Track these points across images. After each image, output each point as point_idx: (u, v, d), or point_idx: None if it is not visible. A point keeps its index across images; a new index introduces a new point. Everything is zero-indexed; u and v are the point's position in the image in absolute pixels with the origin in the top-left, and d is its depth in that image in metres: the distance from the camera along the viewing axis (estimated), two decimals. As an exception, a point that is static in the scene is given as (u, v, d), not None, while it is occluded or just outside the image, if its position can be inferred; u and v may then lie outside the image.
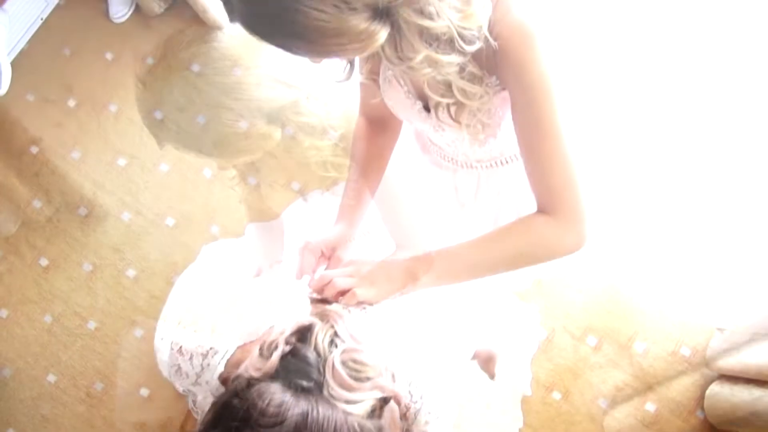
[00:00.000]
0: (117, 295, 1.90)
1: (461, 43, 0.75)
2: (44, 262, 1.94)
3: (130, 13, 2.10)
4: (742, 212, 1.77)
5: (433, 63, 0.76)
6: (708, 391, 1.60)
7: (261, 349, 0.67)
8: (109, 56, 2.09)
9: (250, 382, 0.64)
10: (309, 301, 0.88)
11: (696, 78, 1.84)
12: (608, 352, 1.73)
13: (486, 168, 1.09)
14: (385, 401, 0.67)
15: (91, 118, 2.04)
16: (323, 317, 0.71)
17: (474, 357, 1.11)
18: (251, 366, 0.66)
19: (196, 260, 1.10)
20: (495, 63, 0.80)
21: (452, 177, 1.16)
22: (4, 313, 1.92)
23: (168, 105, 2.02)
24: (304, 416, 0.60)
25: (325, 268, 0.97)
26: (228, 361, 0.77)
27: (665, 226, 1.78)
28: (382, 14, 0.70)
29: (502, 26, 0.76)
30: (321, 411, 0.61)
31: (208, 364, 0.77)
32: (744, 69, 1.83)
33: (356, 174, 1.07)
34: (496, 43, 0.76)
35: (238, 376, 0.66)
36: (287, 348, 0.66)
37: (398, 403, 0.69)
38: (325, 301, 0.87)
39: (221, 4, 1.96)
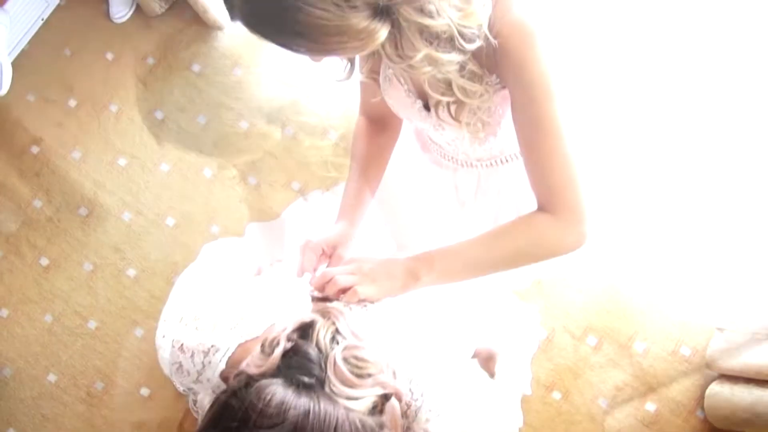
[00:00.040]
0: (117, 295, 1.90)
1: (461, 41, 0.75)
2: (45, 261, 1.94)
3: (130, 13, 2.10)
4: (742, 213, 1.77)
5: (433, 61, 0.77)
6: (708, 391, 1.60)
7: (262, 346, 0.67)
8: (109, 56, 2.09)
9: (252, 379, 0.64)
10: (310, 299, 0.88)
11: (696, 77, 1.84)
12: (608, 351, 1.73)
13: (486, 167, 1.09)
14: (386, 398, 0.67)
15: (92, 118, 2.04)
16: (324, 314, 0.72)
17: (474, 355, 1.11)
18: (253, 363, 0.66)
19: (196, 259, 1.10)
20: (495, 61, 0.80)
21: (452, 176, 1.16)
22: (5, 312, 1.92)
23: (168, 105, 2.02)
24: (306, 412, 0.60)
25: (327, 266, 0.97)
26: (229, 358, 0.77)
27: (665, 226, 1.78)
28: (383, 12, 0.71)
29: (502, 24, 0.76)
30: (323, 407, 0.61)
31: (210, 362, 0.77)
32: (744, 69, 1.83)
33: (356, 173, 1.07)
34: (496, 42, 0.77)
35: (239, 373, 0.66)
36: (289, 345, 0.66)
37: (399, 399, 0.69)
38: (326, 299, 0.87)
39: (222, 4, 1.95)
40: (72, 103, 2.06)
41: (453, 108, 0.87)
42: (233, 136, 2.00)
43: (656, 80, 1.83)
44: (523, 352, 1.62)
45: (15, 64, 2.06)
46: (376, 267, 0.89)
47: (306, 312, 0.74)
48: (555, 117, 0.81)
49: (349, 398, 0.63)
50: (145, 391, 1.83)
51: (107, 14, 2.10)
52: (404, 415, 0.74)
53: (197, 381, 0.80)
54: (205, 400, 0.97)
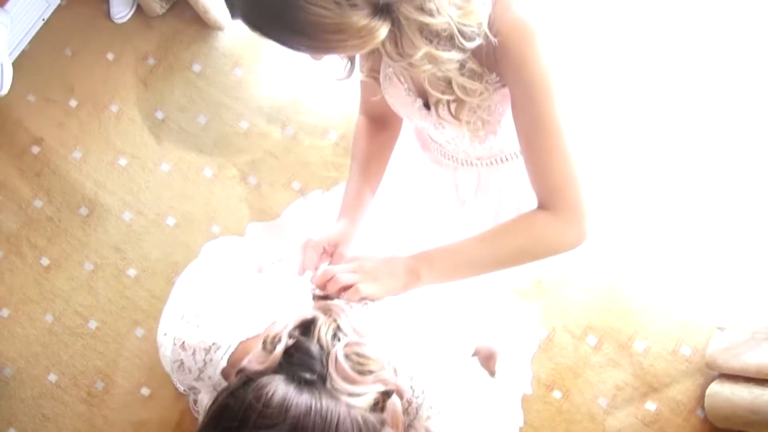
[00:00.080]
0: (118, 295, 1.90)
1: (461, 39, 0.75)
2: (45, 261, 1.94)
3: (131, 13, 2.10)
4: (742, 212, 1.77)
5: (433, 60, 0.77)
6: (708, 390, 1.60)
7: (264, 343, 0.67)
8: (110, 56, 2.09)
9: (254, 375, 0.64)
10: (311, 297, 0.88)
11: (697, 75, 1.84)
12: (608, 351, 1.73)
13: (486, 165, 1.09)
14: (387, 395, 0.67)
15: (93, 118, 2.04)
16: (326, 311, 0.72)
17: (475, 354, 1.11)
18: (254, 360, 0.66)
19: (197, 258, 1.10)
20: (495, 60, 0.81)
21: (452, 175, 1.16)
22: (6, 312, 1.92)
23: (169, 105, 2.03)
24: (308, 409, 0.60)
25: (328, 265, 0.97)
26: (230, 356, 0.77)
27: (666, 226, 1.78)
28: (383, 11, 0.71)
29: (502, 23, 0.76)
30: (324, 403, 0.61)
31: (211, 359, 0.78)
32: (744, 67, 1.83)
33: (357, 172, 1.08)
34: (495, 40, 0.77)
35: (241, 370, 0.67)
36: (290, 341, 0.66)
37: (400, 396, 0.69)
38: (327, 297, 0.87)
39: (222, 4, 1.96)
40: (73, 103, 2.06)
41: (453, 106, 0.88)
42: (233, 136, 2.00)
43: (656, 79, 1.84)
44: (523, 352, 1.62)
45: (16, 64, 2.07)
46: (378, 265, 0.89)
47: (307, 309, 0.74)
48: (555, 115, 0.81)
49: (350, 395, 0.64)
50: (145, 391, 1.83)
51: (108, 14, 2.11)
52: (405, 412, 0.74)
53: (199, 379, 0.80)
54: (205, 399, 0.97)
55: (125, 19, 2.10)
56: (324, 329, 0.68)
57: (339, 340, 0.68)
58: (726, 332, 1.59)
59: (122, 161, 2.00)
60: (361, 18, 0.69)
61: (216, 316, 0.80)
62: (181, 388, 1.66)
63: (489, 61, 0.82)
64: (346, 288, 0.86)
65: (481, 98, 0.85)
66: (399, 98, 0.98)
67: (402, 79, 0.95)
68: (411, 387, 0.76)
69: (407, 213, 1.28)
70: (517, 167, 1.07)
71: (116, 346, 1.86)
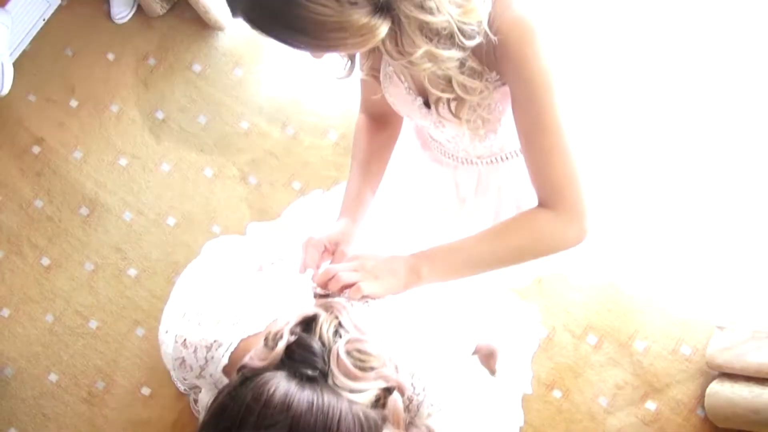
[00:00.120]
0: (118, 295, 1.90)
1: (461, 38, 0.75)
2: (46, 261, 1.95)
3: (131, 13, 2.10)
4: (742, 211, 1.77)
5: (433, 58, 0.77)
6: (708, 390, 1.60)
7: (266, 339, 0.68)
8: (110, 57, 2.10)
9: (255, 372, 0.64)
10: (313, 296, 0.88)
11: (697, 73, 1.84)
12: (609, 350, 1.73)
13: (486, 164, 1.09)
14: (388, 391, 0.67)
15: (93, 118, 2.05)
16: (327, 308, 0.72)
17: (475, 352, 1.11)
18: (256, 356, 0.66)
19: (198, 257, 1.10)
20: (495, 58, 0.81)
21: (452, 173, 1.17)
22: (6, 312, 1.92)
23: (169, 105, 2.03)
24: (310, 405, 0.60)
25: (330, 263, 0.97)
26: (232, 353, 0.77)
27: (666, 225, 1.78)
28: (383, 9, 0.71)
29: (502, 21, 0.77)
30: (326, 399, 0.61)
31: (212, 357, 0.78)
32: (745, 67, 1.84)
33: (358, 170, 1.08)
34: (495, 38, 0.77)
35: (243, 366, 0.67)
36: (292, 338, 0.66)
37: (402, 393, 0.69)
38: (328, 296, 0.87)
39: (222, 4, 1.96)
40: (73, 103, 2.07)
41: (453, 105, 0.88)
42: (234, 136, 2.01)
43: (657, 78, 1.84)
44: (523, 351, 1.62)
45: (16, 65, 2.07)
46: (379, 264, 0.89)
47: (309, 306, 0.74)
48: (555, 113, 0.81)
49: (352, 391, 0.64)
50: (146, 391, 1.83)
51: (108, 15, 2.11)
52: (406, 409, 0.75)
53: (200, 376, 0.80)
54: (206, 398, 0.97)
55: (126, 20, 2.10)
56: (325, 326, 0.68)
57: (340, 336, 0.68)
58: (726, 331, 1.60)
59: (123, 161, 2.00)
60: (361, 16, 0.70)
61: (217, 314, 0.81)
62: (182, 388, 1.66)
63: (489, 60, 0.82)
64: (347, 286, 0.86)
65: (481, 97, 0.85)
66: (399, 97, 0.98)
67: (402, 78, 0.96)
68: (412, 384, 0.77)
69: (408, 212, 1.28)
70: (517, 166, 1.07)
71: (117, 345, 1.87)
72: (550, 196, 0.87)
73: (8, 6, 2.03)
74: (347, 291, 0.86)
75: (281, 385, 0.61)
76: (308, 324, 0.70)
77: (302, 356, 0.65)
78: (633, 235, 1.78)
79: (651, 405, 1.69)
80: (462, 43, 0.76)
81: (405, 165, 1.25)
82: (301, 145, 1.98)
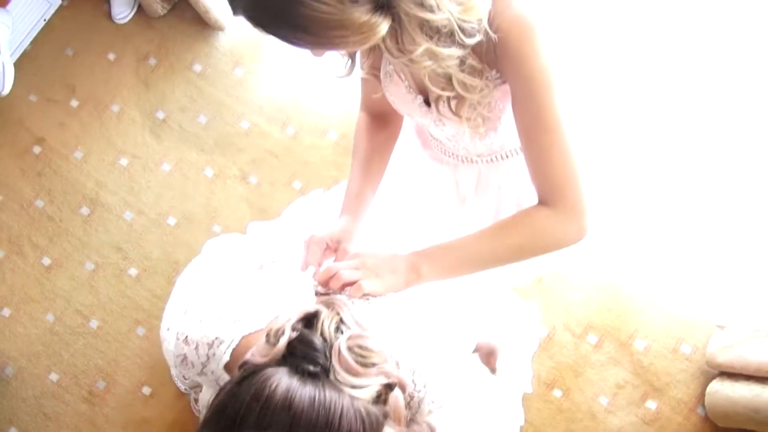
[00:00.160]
0: (119, 294, 1.90)
1: (461, 35, 0.76)
2: (47, 261, 1.95)
3: (132, 14, 2.11)
4: (742, 209, 1.77)
5: (433, 56, 0.77)
6: (708, 389, 1.60)
7: (267, 335, 0.68)
8: (111, 57, 2.10)
9: (257, 368, 0.64)
10: (314, 294, 0.89)
11: (697, 71, 1.84)
12: (609, 349, 1.73)
13: (486, 162, 1.10)
14: (390, 387, 0.68)
15: (94, 118, 2.05)
16: (329, 305, 0.72)
17: (475, 350, 1.11)
18: (258, 352, 0.67)
19: (199, 254, 1.10)
20: (495, 56, 0.81)
21: (453, 172, 1.17)
22: (7, 312, 1.92)
23: (170, 105, 2.03)
24: (311, 400, 0.60)
25: (334, 260, 0.97)
26: (233, 350, 0.77)
27: (666, 224, 1.78)
28: (383, 7, 0.71)
29: (502, 19, 0.77)
30: (328, 395, 0.61)
31: (214, 354, 0.78)
32: (745, 66, 1.84)
33: (358, 168, 1.08)
34: (496, 36, 0.77)
35: (244, 363, 0.67)
36: (294, 334, 0.67)
37: (403, 389, 0.69)
38: (329, 294, 0.88)
39: (223, 4, 1.97)
40: (74, 103, 2.07)
41: (453, 103, 0.88)
42: (234, 136, 2.01)
43: (657, 76, 1.84)
44: (523, 350, 1.62)
45: (17, 65, 2.07)
46: (380, 262, 0.90)
47: (310, 303, 0.74)
48: (555, 111, 0.82)
49: (353, 387, 0.64)
50: (146, 390, 1.83)
51: (109, 15, 2.12)
52: (407, 406, 0.75)
53: (201, 373, 0.80)
54: (207, 395, 0.98)
55: (126, 20, 2.11)
56: (327, 322, 0.69)
57: (342, 332, 0.69)
58: (726, 330, 1.60)
59: (123, 161, 2.01)
60: (362, 14, 0.70)
61: (219, 311, 0.81)
62: (182, 387, 1.66)
63: (489, 58, 0.82)
64: (348, 284, 0.86)
65: (482, 95, 0.86)
66: (399, 95, 0.99)
67: (402, 76, 0.96)
68: (413, 381, 0.77)
69: (408, 211, 1.28)
70: (517, 164, 1.08)
71: (117, 345, 1.87)
72: (550, 194, 0.87)
73: (9, 6, 2.04)
74: (348, 289, 0.86)
75: (283, 380, 0.61)
76: (310, 320, 0.70)
77: (304, 352, 0.65)
78: (633, 235, 1.78)
79: (651, 404, 1.69)
80: (462, 41, 0.76)
81: (405, 164, 1.25)
82: (301, 144, 1.98)
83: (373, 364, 0.66)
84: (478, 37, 0.77)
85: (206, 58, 2.07)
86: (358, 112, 1.16)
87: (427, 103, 0.96)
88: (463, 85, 0.84)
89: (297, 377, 0.63)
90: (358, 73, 1.01)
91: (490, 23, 0.77)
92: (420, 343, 0.81)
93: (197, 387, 1.44)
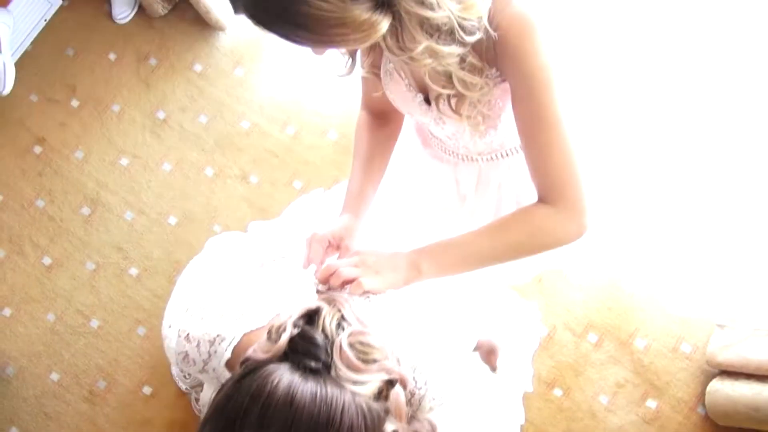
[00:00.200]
0: (120, 294, 1.90)
1: (461, 33, 0.76)
2: (47, 261, 1.95)
3: (133, 14, 2.11)
4: (742, 209, 1.77)
5: (433, 54, 0.77)
6: (709, 387, 1.61)
7: (269, 332, 0.68)
8: (112, 57, 2.10)
9: (259, 364, 0.65)
10: (315, 292, 0.89)
11: (698, 70, 1.84)
12: (609, 348, 1.73)
13: (487, 161, 1.10)
14: (391, 384, 0.68)
15: (94, 118, 2.05)
16: (330, 302, 0.73)
17: (476, 348, 1.12)
18: (260, 349, 0.67)
19: (201, 252, 1.11)
20: (495, 54, 0.81)
21: (453, 170, 1.17)
22: (8, 311, 1.92)
23: (170, 104, 2.03)
24: (313, 396, 0.61)
25: (337, 258, 0.98)
26: (235, 348, 0.78)
27: (666, 223, 1.79)
28: (384, 5, 0.72)
29: (502, 17, 0.77)
30: (329, 391, 0.62)
31: (215, 351, 0.78)
32: (745, 65, 1.84)
33: (359, 167, 1.08)
34: (495, 34, 0.78)
35: (246, 359, 0.67)
36: (295, 331, 0.67)
37: (404, 386, 0.70)
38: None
39: (224, 5, 1.97)
40: (75, 103, 2.07)
41: (453, 101, 0.88)
42: (235, 136, 2.01)
43: (657, 76, 1.84)
44: (524, 349, 1.63)
45: (18, 65, 2.08)
46: (380, 260, 0.90)
47: (312, 300, 0.75)
48: (554, 109, 0.82)
49: (355, 383, 0.64)
50: (147, 390, 1.83)
51: (110, 15, 2.12)
52: (408, 403, 0.75)
53: (203, 371, 0.81)
54: (208, 394, 0.98)
55: (127, 20, 2.11)
56: (328, 319, 0.69)
57: (343, 329, 0.69)
58: (726, 329, 1.60)
59: (124, 161, 2.01)
60: (362, 12, 0.70)
61: (220, 309, 0.81)
62: (183, 387, 1.67)
63: (489, 56, 0.82)
64: (348, 282, 0.86)
65: (482, 93, 0.86)
66: (400, 94, 0.99)
67: (403, 75, 0.96)
68: (414, 378, 0.77)
69: (409, 209, 1.28)
70: (517, 162, 1.08)
71: (118, 345, 1.87)
72: (550, 191, 0.87)
73: (10, 6, 2.04)
74: (348, 286, 0.87)
75: (285, 377, 0.62)
76: (311, 317, 0.70)
77: (305, 348, 0.65)
78: (633, 234, 1.78)
79: (651, 403, 1.69)
80: (462, 39, 0.76)
81: (406, 162, 1.26)
82: (301, 144, 1.98)
83: (375, 361, 0.66)
84: (478, 35, 0.77)
85: (207, 58, 2.08)
86: (358, 111, 1.16)
87: (428, 101, 0.96)
88: (463, 83, 0.84)
89: (299, 373, 0.63)
90: (359, 71, 1.01)
91: (490, 21, 0.77)
92: (421, 340, 0.81)
93: (198, 386, 1.44)
